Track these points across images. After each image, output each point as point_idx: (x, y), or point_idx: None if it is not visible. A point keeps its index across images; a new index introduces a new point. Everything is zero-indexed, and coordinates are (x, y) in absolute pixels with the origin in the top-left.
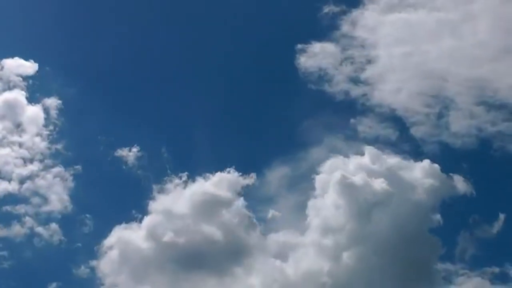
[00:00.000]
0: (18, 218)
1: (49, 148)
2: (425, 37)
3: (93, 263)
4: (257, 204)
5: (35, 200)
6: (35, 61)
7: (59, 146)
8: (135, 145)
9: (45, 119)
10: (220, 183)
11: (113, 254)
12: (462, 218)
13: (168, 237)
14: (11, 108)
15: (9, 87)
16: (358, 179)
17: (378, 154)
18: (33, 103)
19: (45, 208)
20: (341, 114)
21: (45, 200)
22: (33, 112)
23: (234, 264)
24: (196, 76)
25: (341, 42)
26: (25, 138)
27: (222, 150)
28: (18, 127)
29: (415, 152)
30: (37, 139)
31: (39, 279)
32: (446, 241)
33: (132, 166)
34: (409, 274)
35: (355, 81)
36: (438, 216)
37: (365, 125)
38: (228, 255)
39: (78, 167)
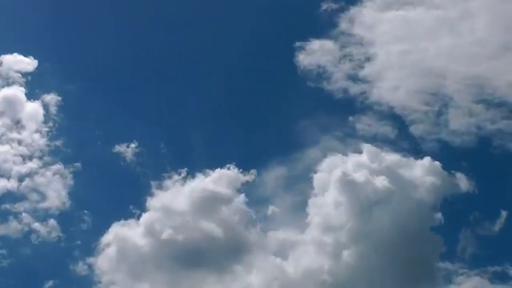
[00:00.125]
0: (16, 215)
1: (48, 145)
2: (424, 35)
3: (91, 260)
4: (257, 201)
5: (34, 197)
6: (34, 58)
7: (58, 143)
8: (134, 141)
9: (45, 115)
10: (220, 179)
11: (111, 251)
12: (463, 216)
13: (166, 234)
14: (10, 104)
15: (8, 83)
16: (358, 176)
17: (377, 152)
18: (32, 100)
19: (43, 205)
20: (339, 112)
21: (43, 196)
22: (32, 109)
23: (233, 261)
24: (195, 73)
25: (339, 40)
26: (24, 135)
27: (222, 146)
28: (17, 123)
29: (414, 150)
30: (36, 135)
31: (36, 276)
32: (447, 240)
33: (130, 162)
34: (410, 272)
35: (354, 78)
36: (439, 215)
37: (364, 123)
38: (227, 252)
39: (78, 164)
